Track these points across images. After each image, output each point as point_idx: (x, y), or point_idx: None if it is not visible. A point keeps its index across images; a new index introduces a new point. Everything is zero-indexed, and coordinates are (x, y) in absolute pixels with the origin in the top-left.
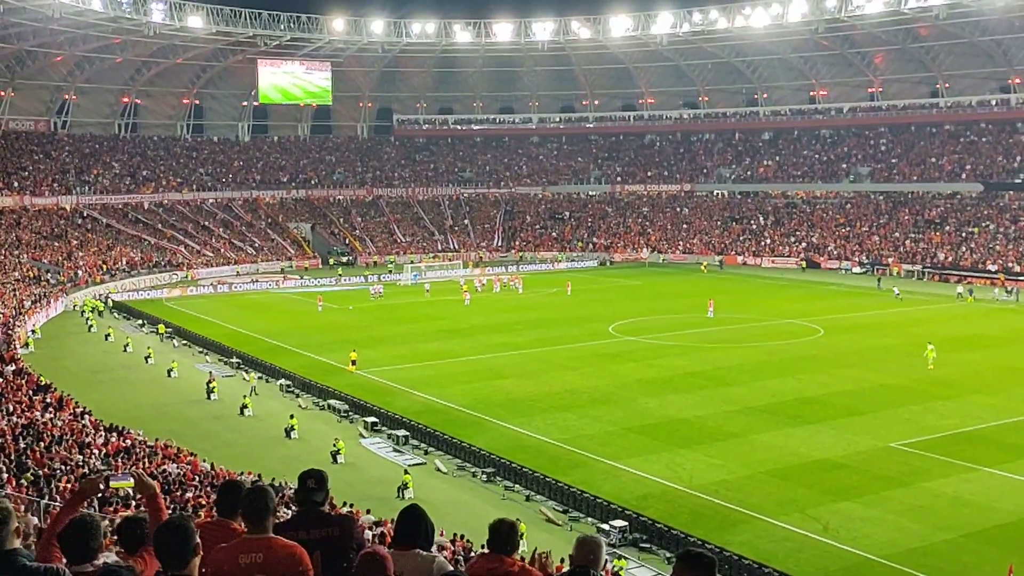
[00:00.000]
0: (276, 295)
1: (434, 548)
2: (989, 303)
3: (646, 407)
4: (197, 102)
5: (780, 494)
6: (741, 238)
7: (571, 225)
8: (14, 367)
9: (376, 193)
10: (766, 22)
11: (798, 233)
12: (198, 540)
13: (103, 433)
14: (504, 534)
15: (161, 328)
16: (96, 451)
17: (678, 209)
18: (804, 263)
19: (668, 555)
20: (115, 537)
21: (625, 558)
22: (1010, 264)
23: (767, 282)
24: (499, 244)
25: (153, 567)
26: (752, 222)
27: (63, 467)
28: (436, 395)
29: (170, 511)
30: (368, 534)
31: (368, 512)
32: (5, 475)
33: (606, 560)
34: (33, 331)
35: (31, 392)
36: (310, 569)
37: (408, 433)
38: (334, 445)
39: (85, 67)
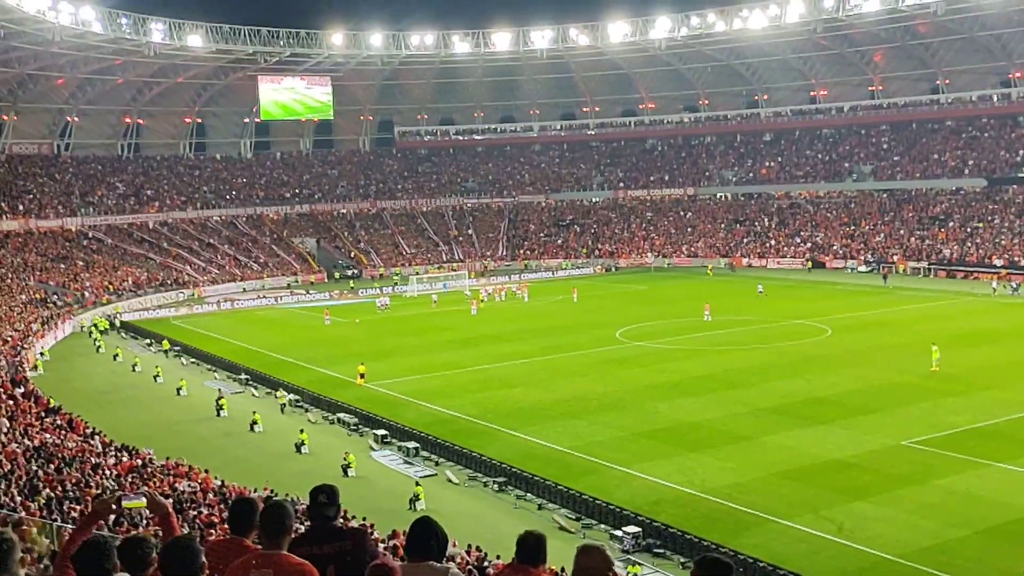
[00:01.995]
0: (282, 310)
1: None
2: (1012, 298)
3: (656, 412)
4: (199, 120)
5: (793, 495)
6: (745, 240)
7: (575, 232)
8: (24, 390)
9: (379, 206)
10: (764, 24)
11: (803, 233)
12: (204, 560)
13: (114, 453)
14: (530, 546)
15: (165, 344)
16: (107, 471)
17: (681, 213)
18: (810, 263)
19: (683, 560)
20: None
21: (639, 564)
22: (1016, 259)
23: (773, 283)
24: (504, 253)
25: None
26: (756, 224)
27: (75, 488)
28: (445, 406)
29: (183, 529)
30: (381, 547)
31: (372, 526)
32: (18, 498)
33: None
34: (42, 353)
35: (41, 414)
36: None
37: (418, 445)
38: (344, 459)
39: (86, 89)
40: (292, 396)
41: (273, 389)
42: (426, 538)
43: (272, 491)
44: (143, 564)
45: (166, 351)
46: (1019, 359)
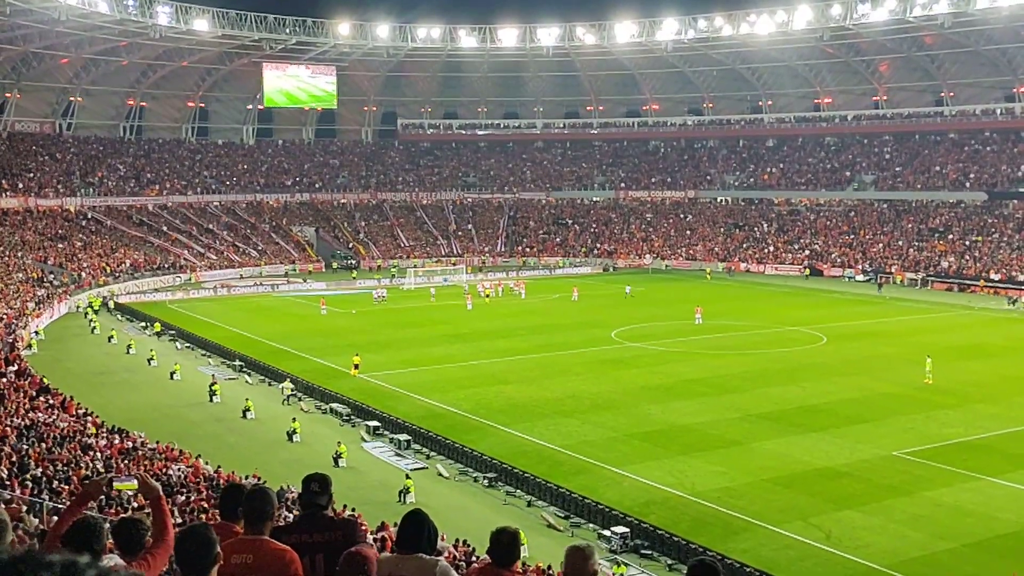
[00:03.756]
0: (279, 298)
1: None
2: (1010, 312)
3: (649, 413)
4: (202, 105)
5: (783, 502)
6: (744, 245)
7: (575, 231)
8: (17, 368)
9: (380, 197)
10: (771, 29)
11: (802, 240)
12: (219, 550)
13: (105, 435)
14: (505, 545)
15: (156, 327)
16: (98, 453)
17: (682, 216)
18: (807, 270)
19: (669, 562)
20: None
21: (626, 564)
22: (1014, 273)
23: (770, 289)
24: (502, 249)
25: (156, 570)
26: (756, 229)
27: (65, 469)
28: (438, 400)
29: (172, 514)
30: (370, 538)
31: (360, 516)
32: (6, 476)
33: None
34: (36, 332)
35: (34, 393)
36: (300, 573)
37: (410, 437)
38: (336, 449)
39: (91, 69)
40: (285, 384)
41: (277, 380)
42: (417, 531)
43: (259, 478)
44: (137, 546)
45: (158, 333)
46: (1013, 374)
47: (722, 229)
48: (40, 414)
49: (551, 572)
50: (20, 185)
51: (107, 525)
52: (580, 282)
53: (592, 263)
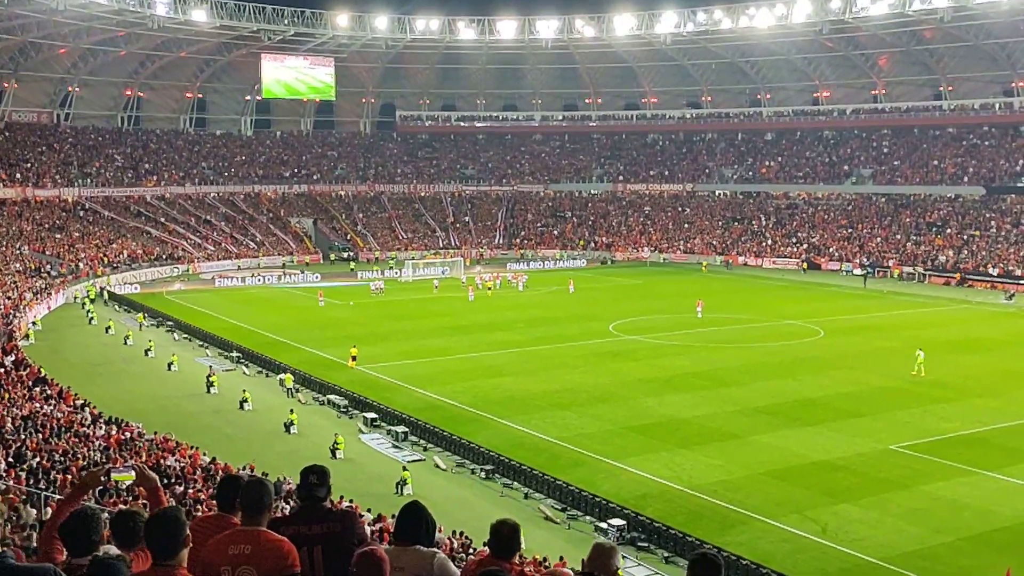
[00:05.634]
0: (276, 290)
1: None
2: (1006, 306)
3: (646, 406)
4: (200, 96)
5: (779, 495)
6: (742, 238)
7: (573, 223)
8: (14, 358)
9: (378, 189)
10: (770, 23)
11: (799, 234)
12: (188, 532)
13: (103, 425)
14: (505, 537)
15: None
16: (96, 443)
17: (680, 209)
18: (805, 264)
19: (666, 554)
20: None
21: (623, 556)
22: (1012, 268)
23: (768, 283)
24: (500, 241)
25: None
26: (754, 223)
27: (63, 459)
28: (436, 392)
29: (170, 504)
30: (367, 530)
31: (358, 507)
32: (4, 466)
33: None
34: (34, 323)
35: (31, 383)
36: (296, 564)
37: (407, 429)
38: (333, 441)
39: (89, 59)
40: (283, 376)
41: (274, 371)
42: (415, 523)
43: (253, 469)
44: (135, 538)
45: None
46: (1011, 368)
47: (720, 222)
48: (38, 404)
49: (547, 564)
50: (18, 175)
51: (105, 515)
52: (577, 275)
53: (590, 256)
